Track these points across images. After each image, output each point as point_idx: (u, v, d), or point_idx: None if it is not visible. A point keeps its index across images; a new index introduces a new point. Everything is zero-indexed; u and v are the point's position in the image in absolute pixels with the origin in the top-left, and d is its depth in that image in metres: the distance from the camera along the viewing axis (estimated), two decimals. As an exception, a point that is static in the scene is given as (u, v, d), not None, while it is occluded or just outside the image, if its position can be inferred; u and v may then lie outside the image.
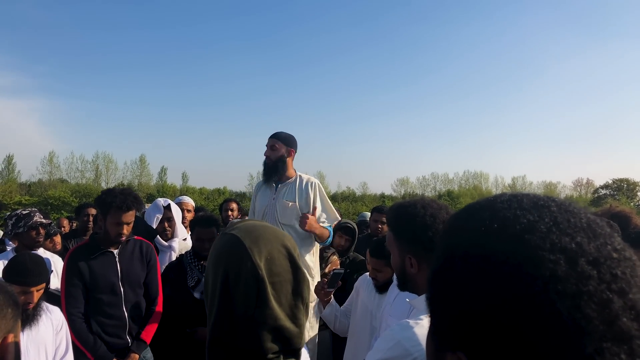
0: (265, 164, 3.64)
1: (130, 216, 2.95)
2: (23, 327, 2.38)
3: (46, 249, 3.76)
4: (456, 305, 0.51)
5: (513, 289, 0.47)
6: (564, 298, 0.45)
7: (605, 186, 63.25)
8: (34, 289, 2.36)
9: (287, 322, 0.95)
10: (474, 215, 0.55)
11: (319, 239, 3.56)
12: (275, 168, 3.62)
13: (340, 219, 3.87)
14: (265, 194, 3.68)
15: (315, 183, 3.65)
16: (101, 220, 3.01)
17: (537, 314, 0.45)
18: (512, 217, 0.51)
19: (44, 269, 2.44)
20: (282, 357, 0.96)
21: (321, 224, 3.58)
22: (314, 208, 3.56)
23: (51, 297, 2.96)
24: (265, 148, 3.64)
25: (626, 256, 0.49)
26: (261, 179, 3.76)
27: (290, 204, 3.54)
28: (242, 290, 0.93)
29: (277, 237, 1.01)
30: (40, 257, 2.55)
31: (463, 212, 0.59)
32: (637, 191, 62.31)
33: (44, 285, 2.45)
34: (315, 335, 3.56)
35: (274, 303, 0.94)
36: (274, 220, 3.53)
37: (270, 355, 0.94)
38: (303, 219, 3.45)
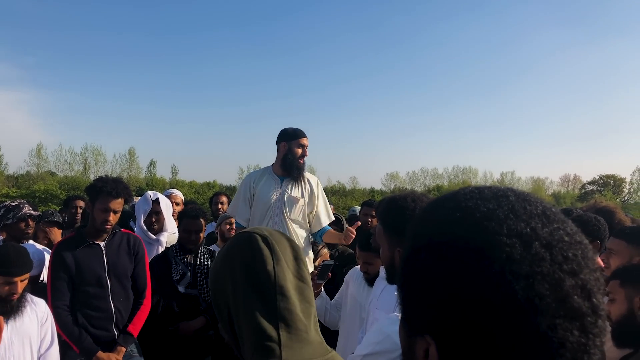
0: (299, 166, 3.57)
1: (118, 204, 2.93)
2: (7, 319, 2.36)
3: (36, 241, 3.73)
4: (422, 291, 0.54)
5: (473, 272, 0.50)
6: (519, 278, 0.48)
7: (592, 182, 63.99)
8: (17, 279, 2.34)
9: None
10: (438, 206, 0.59)
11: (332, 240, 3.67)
12: (304, 170, 3.63)
13: (333, 218, 3.90)
14: (268, 187, 3.59)
15: (317, 182, 3.69)
16: (89, 208, 2.99)
17: (495, 294, 0.48)
18: (473, 206, 0.55)
19: (28, 260, 2.42)
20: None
21: (322, 224, 3.65)
22: (356, 223, 3.58)
23: (42, 289, 2.94)
24: (299, 147, 3.57)
25: (577, 240, 0.53)
26: (275, 171, 3.66)
27: (301, 200, 3.54)
28: (261, 270, 0.98)
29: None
30: (23, 247, 2.53)
31: (430, 204, 0.62)
32: (623, 187, 63.16)
33: (27, 275, 2.42)
34: None
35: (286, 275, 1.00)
36: (280, 215, 3.50)
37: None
38: (349, 235, 3.42)
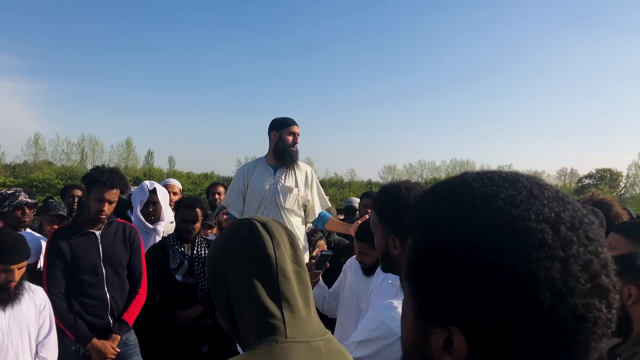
0: (291, 153, 3.54)
1: (113, 195, 2.93)
2: (5, 306, 2.38)
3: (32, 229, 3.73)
4: (450, 282, 0.53)
5: (508, 259, 0.49)
6: (555, 262, 0.49)
7: (589, 176, 64.11)
8: (14, 266, 2.34)
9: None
10: (450, 193, 0.57)
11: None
12: (297, 158, 3.60)
13: (330, 205, 3.92)
14: (261, 177, 3.57)
15: (311, 171, 3.71)
16: (85, 197, 3.00)
17: (533, 280, 0.48)
18: (491, 193, 0.54)
19: (25, 247, 2.42)
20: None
21: (316, 212, 3.67)
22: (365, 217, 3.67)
23: (40, 277, 2.95)
24: (290, 135, 3.53)
25: (592, 219, 0.54)
26: (268, 161, 3.64)
27: (295, 189, 3.54)
28: (261, 251, 1.03)
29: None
30: (21, 235, 2.53)
31: (435, 192, 0.60)
32: (619, 181, 63.33)
33: (25, 263, 2.43)
34: None
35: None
36: (274, 205, 3.50)
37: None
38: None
